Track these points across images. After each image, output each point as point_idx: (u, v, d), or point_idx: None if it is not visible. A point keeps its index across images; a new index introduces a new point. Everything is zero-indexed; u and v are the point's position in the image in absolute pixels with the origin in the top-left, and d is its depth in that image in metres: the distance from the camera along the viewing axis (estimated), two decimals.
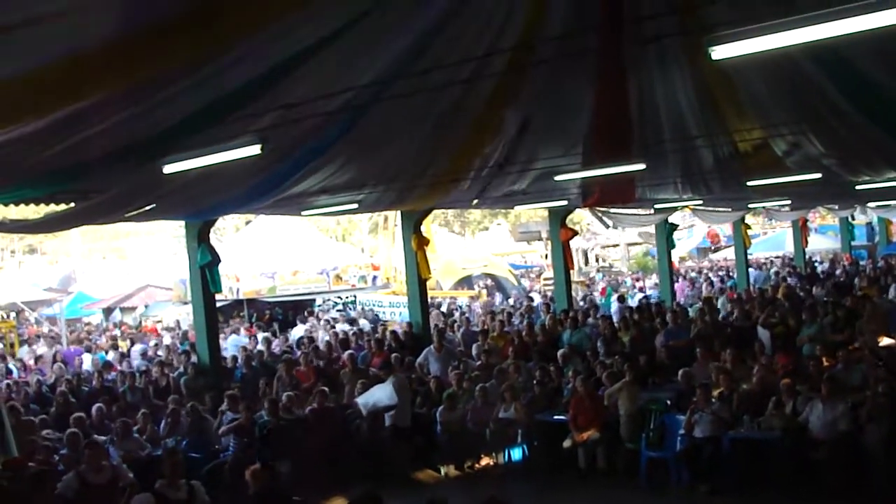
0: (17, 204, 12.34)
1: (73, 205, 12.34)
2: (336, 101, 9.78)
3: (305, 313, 30.84)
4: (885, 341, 15.87)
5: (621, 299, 28.10)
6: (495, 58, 10.82)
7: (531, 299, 31.41)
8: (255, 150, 8.87)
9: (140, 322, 33.53)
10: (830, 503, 10.93)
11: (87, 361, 22.69)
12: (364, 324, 26.15)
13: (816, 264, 38.67)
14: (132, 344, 25.84)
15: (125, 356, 23.01)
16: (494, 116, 13.31)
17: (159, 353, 22.03)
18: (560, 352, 16.91)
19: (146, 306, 36.21)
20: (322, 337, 23.08)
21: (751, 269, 34.02)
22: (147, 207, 12.93)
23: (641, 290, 35.09)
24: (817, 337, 16.12)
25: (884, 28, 5.75)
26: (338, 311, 32.59)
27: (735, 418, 12.53)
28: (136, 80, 7.47)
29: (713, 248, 53.81)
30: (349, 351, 18.03)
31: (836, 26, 5.88)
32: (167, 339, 26.07)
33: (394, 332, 20.86)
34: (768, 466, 11.96)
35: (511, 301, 32.93)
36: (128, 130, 8.89)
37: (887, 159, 17.82)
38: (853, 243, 42.50)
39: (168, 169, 9.61)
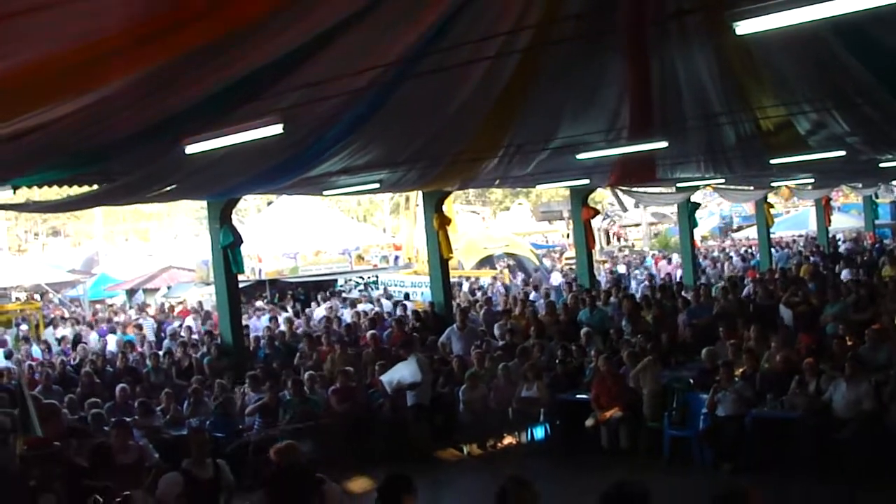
0: (40, 186, 12.38)
1: (95, 186, 12.41)
2: (359, 80, 9.77)
3: (328, 293, 30.93)
4: None
5: (650, 278, 28.13)
6: (518, 35, 10.78)
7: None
8: (277, 129, 8.87)
9: (163, 304, 33.65)
10: (854, 482, 10.87)
11: (112, 342, 22.83)
12: (386, 304, 26.13)
13: (840, 243, 38.43)
14: (159, 326, 25.98)
15: (145, 338, 23.14)
16: (517, 95, 13.27)
17: (181, 334, 22.15)
18: (583, 331, 16.89)
19: (168, 287, 36.33)
20: (345, 317, 23.11)
21: (773, 249, 33.83)
22: (169, 188, 12.98)
23: (664, 273, 34.80)
24: (841, 316, 16.05)
25: None
26: (359, 291, 32.64)
27: (758, 397, 12.51)
28: (158, 62, 7.48)
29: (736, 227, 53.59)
30: (372, 331, 18.06)
31: (862, 0, 5.83)
32: (189, 321, 26.18)
33: (415, 312, 20.92)
34: (791, 446, 11.91)
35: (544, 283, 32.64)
36: (150, 112, 8.91)
37: None
38: (877, 222, 42.17)
39: (190, 149, 9.63)
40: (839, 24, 10.13)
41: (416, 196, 29.75)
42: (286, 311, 26.46)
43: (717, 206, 54.56)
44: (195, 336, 21.08)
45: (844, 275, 23.33)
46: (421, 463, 12.96)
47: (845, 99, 14.37)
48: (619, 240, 60.11)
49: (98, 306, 35.32)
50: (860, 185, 37.58)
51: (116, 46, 6.70)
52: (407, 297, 26.86)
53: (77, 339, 23.49)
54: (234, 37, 7.57)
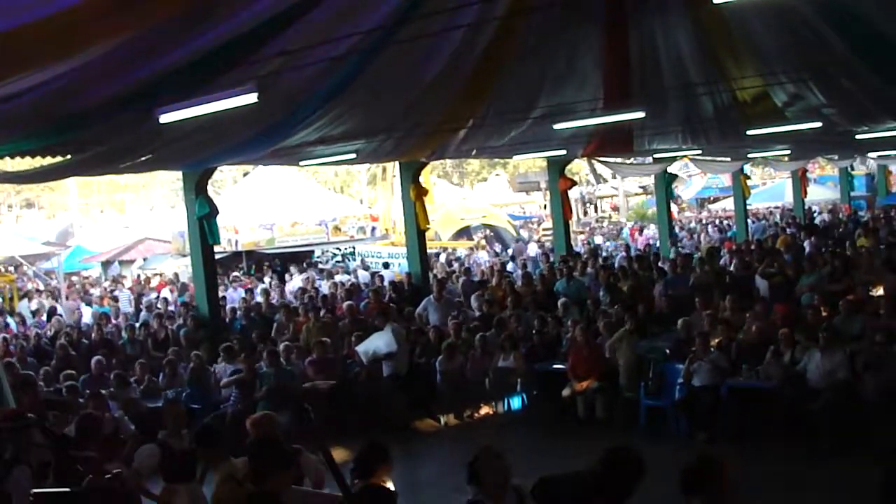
0: (12, 157, 12.25)
1: (69, 157, 12.28)
2: (335, 49, 9.70)
3: (304, 264, 30.87)
4: (879, 291, 15.88)
5: (626, 248, 28.21)
6: (495, 3, 10.71)
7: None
8: (251, 98, 8.79)
9: (139, 276, 33.48)
10: (828, 452, 10.96)
11: (87, 315, 22.72)
12: (363, 275, 26.11)
13: (816, 215, 38.60)
14: (137, 298, 25.87)
15: (119, 310, 23.03)
16: (494, 64, 13.22)
17: (158, 306, 22.07)
18: (560, 301, 16.93)
19: (144, 259, 36.16)
20: (322, 288, 23.09)
21: (750, 220, 33.93)
22: (143, 158, 12.87)
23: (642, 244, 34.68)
24: (816, 286, 16.13)
25: None
26: (336, 262, 32.59)
27: (733, 367, 12.57)
28: (138, 28, 7.39)
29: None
30: (348, 302, 18.01)
31: None
32: (166, 292, 26.09)
33: (393, 283, 20.89)
34: (766, 415, 12.00)
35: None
36: (127, 80, 8.82)
37: (888, 109, 17.76)
38: (852, 194, 42.44)
39: (165, 119, 9.54)
40: None
41: (393, 167, 29.65)
42: (263, 282, 26.42)
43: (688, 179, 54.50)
44: (171, 308, 21.00)
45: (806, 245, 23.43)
46: (398, 433, 12.97)
47: (822, 71, 14.40)
48: (597, 211, 60.24)
49: (74, 278, 35.15)
50: (836, 157, 37.73)
51: (98, 11, 6.60)
52: (386, 265, 26.76)
53: (52, 312, 23.36)
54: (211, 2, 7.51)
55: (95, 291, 28.73)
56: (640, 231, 39.16)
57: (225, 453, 7.16)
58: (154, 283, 30.42)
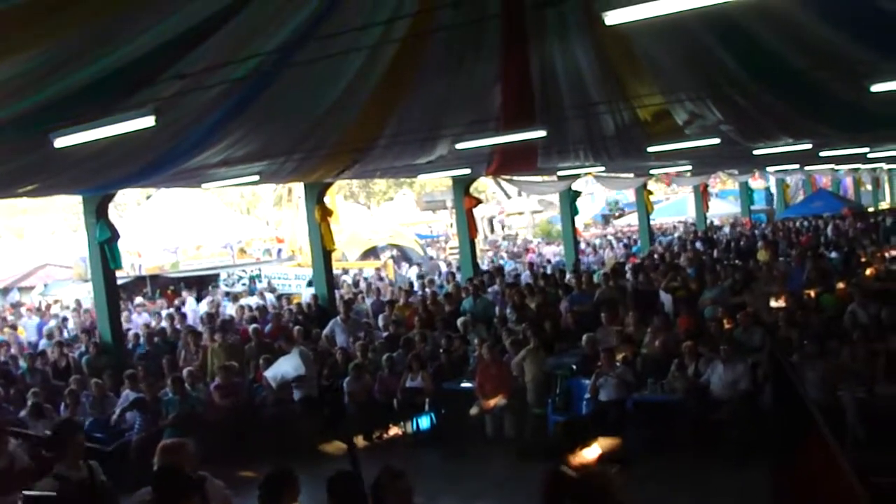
0: None
1: None
2: (235, 71, 9.61)
3: (210, 288, 30.47)
4: (775, 303, 16.23)
5: (531, 266, 28.36)
6: (397, 23, 10.71)
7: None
8: (148, 122, 8.66)
9: (40, 302, 32.67)
10: (732, 460, 11.14)
11: None
12: (270, 297, 25.80)
13: (717, 229, 39.36)
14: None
15: (16, 338, 22.42)
16: (395, 85, 13.20)
17: (61, 332, 21.56)
18: (460, 320, 16.96)
19: (45, 285, 35.31)
20: (227, 311, 22.83)
21: (662, 236, 34.49)
22: (39, 183, 12.60)
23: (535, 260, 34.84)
24: (719, 300, 16.42)
25: None
26: (243, 284, 32.23)
27: (639, 381, 12.72)
28: (26, 50, 7.24)
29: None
30: (254, 325, 17.82)
31: None
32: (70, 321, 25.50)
33: (300, 305, 20.73)
34: (672, 427, 12.16)
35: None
36: (17, 104, 8.61)
37: (780, 125, 18.21)
38: (752, 207, 43.42)
39: (60, 143, 9.34)
40: (708, 16, 10.35)
41: (299, 188, 29.47)
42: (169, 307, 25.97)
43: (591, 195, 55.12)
44: (68, 334, 20.57)
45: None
46: (305, 456, 12.84)
47: (718, 88, 14.67)
48: (503, 228, 60.60)
49: None
50: (736, 172, 38.57)
51: None
52: (311, 283, 26.37)
53: None
54: (108, 24, 7.39)
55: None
56: (528, 250, 39.61)
57: None
58: (55, 309, 29.70)
